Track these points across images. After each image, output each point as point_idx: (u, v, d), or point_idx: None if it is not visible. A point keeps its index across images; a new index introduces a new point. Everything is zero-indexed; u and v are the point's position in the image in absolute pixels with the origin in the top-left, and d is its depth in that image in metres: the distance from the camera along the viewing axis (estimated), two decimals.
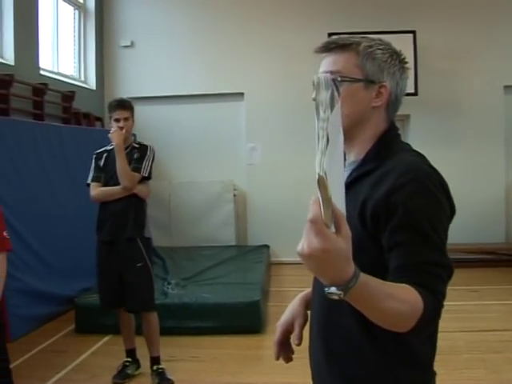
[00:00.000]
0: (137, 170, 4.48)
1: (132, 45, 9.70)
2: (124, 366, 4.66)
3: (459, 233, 8.93)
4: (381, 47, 1.61)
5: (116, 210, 4.44)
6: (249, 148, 9.49)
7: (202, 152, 9.62)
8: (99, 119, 9.15)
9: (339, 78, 1.56)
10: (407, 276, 1.36)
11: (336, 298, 1.21)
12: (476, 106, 9.24)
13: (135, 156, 4.52)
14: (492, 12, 9.19)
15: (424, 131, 9.22)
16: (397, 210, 1.41)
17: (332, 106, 1.24)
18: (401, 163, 1.49)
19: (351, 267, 1.20)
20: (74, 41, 9.12)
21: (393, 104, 1.63)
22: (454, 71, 9.20)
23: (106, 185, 4.50)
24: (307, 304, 1.81)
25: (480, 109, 9.25)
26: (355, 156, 1.63)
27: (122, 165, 4.40)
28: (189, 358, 5.01)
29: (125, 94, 8.62)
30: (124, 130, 4.44)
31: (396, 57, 1.63)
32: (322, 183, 1.14)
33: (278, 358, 1.82)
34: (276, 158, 9.41)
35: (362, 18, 8.96)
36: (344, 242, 1.17)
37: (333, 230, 1.17)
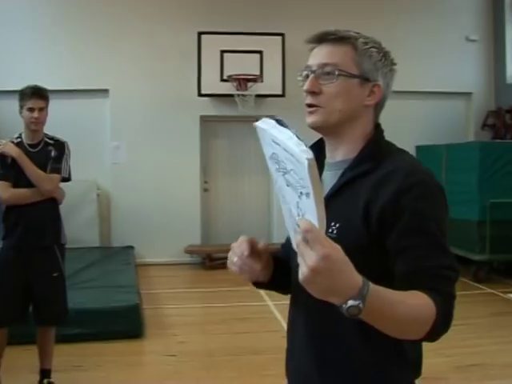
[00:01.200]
0: (56, 170, 4.02)
1: None
2: None
3: None
4: (375, 45, 1.56)
5: (30, 214, 3.95)
6: (113, 147, 9.17)
7: None
8: None
9: (337, 72, 1.51)
10: (418, 281, 1.35)
11: (356, 312, 1.17)
12: None
13: (52, 154, 4.03)
14: (360, 21, 9.48)
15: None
16: (405, 213, 1.40)
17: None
18: (402, 164, 1.47)
19: (357, 273, 1.19)
20: None
21: (381, 105, 1.60)
22: None
23: (16, 185, 3.95)
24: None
25: None
26: (343, 155, 1.57)
27: (33, 171, 3.90)
28: (72, 368, 4.70)
29: None
30: (38, 122, 3.97)
31: (388, 57, 1.59)
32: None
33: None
34: (141, 157, 9.19)
35: (232, 19, 9.01)
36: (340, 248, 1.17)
37: None
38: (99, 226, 9.08)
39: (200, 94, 8.89)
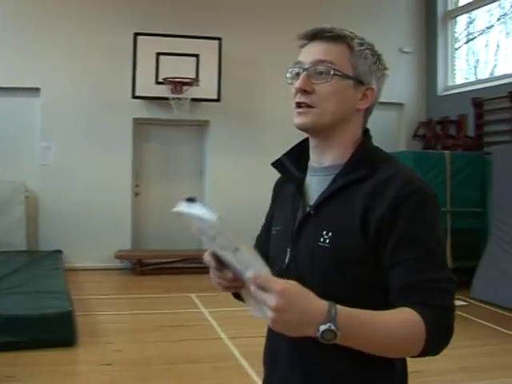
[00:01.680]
0: None
1: None
2: None
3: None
4: (370, 47, 1.50)
5: None
6: (43, 147, 8.87)
7: None
8: None
9: (332, 71, 1.44)
10: (411, 295, 1.32)
11: (331, 336, 1.17)
12: (273, 115, 9.55)
13: None
14: (296, 26, 9.54)
15: (223, 137, 9.39)
16: (402, 222, 1.36)
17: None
18: (398, 172, 1.42)
19: (319, 299, 1.20)
20: None
21: (371, 110, 1.55)
22: (254, 80, 9.46)
23: None
24: None
25: (278, 119, 9.55)
26: (331, 160, 1.51)
27: None
28: (4, 379, 4.49)
29: None
30: None
31: (381, 60, 1.53)
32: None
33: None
34: (71, 158, 8.94)
35: (169, 21, 8.92)
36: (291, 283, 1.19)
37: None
38: (26, 229, 8.73)
39: (134, 96, 8.73)
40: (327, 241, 1.41)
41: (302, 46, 1.55)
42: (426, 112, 10.46)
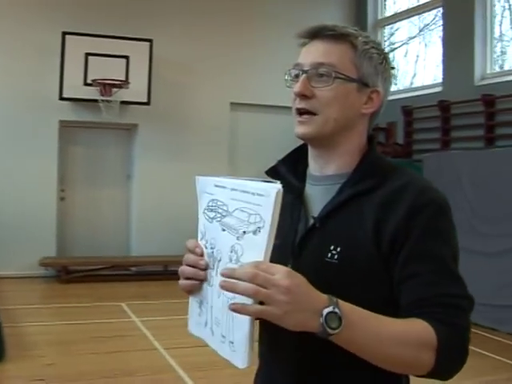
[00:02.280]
0: None
1: None
2: None
3: (184, 244, 9.16)
4: (375, 46, 1.38)
5: None
6: None
7: None
8: None
9: (333, 74, 1.33)
10: (424, 311, 1.23)
11: (336, 322, 1.12)
12: (204, 120, 9.51)
13: None
14: (225, 32, 9.56)
15: (152, 142, 9.23)
16: (416, 232, 1.27)
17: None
18: (411, 181, 1.33)
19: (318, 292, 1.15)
20: None
21: (378, 113, 1.42)
22: (185, 84, 9.34)
23: None
24: None
25: (208, 123, 9.54)
26: (336, 169, 1.40)
27: None
28: None
29: None
30: None
31: (388, 60, 1.41)
32: None
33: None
34: None
35: (99, 21, 8.67)
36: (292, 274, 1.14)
37: None
38: None
39: (61, 98, 8.42)
40: (335, 256, 1.31)
41: (302, 46, 1.42)
42: None
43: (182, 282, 1.31)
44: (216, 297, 1.20)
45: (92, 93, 8.41)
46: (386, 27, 10.39)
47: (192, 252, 1.30)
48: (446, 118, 8.44)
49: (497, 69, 8.23)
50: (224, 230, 1.20)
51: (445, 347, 1.19)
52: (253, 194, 1.14)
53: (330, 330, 1.11)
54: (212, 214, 1.24)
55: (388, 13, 10.38)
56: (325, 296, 1.14)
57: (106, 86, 8.32)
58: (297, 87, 1.36)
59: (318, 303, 1.12)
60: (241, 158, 9.94)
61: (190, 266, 1.30)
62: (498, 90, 7.63)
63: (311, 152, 1.45)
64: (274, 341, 1.42)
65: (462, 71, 8.23)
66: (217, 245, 1.22)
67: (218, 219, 1.22)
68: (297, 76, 1.39)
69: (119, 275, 8.77)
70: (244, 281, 1.09)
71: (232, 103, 9.77)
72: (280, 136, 9.88)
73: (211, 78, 9.48)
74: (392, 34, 10.51)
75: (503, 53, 8.49)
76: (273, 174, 1.49)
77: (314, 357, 1.31)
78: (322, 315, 1.11)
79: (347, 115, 1.36)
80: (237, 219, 1.16)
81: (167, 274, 9.04)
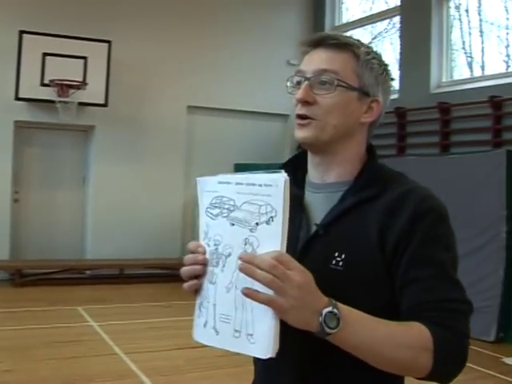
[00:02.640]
0: None
1: None
2: None
3: (141, 248, 9.10)
4: (377, 57, 1.41)
5: None
6: None
7: None
8: None
9: (336, 82, 1.35)
10: (423, 315, 1.25)
11: (334, 322, 1.16)
12: (161, 123, 9.46)
13: None
14: (184, 35, 9.53)
15: (109, 144, 9.13)
16: (417, 239, 1.30)
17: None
18: (413, 189, 1.36)
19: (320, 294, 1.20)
20: None
21: (377, 122, 1.45)
22: (143, 86, 9.29)
23: None
24: None
25: (165, 126, 9.50)
26: (336, 177, 1.42)
27: None
28: None
29: None
30: None
31: (388, 71, 1.44)
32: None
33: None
34: None
35: (57, 21, 8.54)
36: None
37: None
38: None
39: (17, 98, 8.25)
40: (340, 263, 1.33)
41: (305, 54, 1.43)
42: None
43: (185, 284, 1.30)
44: (224, 292, 1.20)
45: (49, 93, 8.27)
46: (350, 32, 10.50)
47: (194, 252, 1.29)
48: (401, 125, 8.60)
49: (455, 77, 8.43)
50: (233, 225, 1.20)
51: (442, 350, 1.21)
52: (260, 185, 1.16)
53: (328, 330, 1.15)
54: (216, 211, 1.25)
55: (346, 20, 10.52)
56: (326, 298, 1.18)
57: (64, 87, 8.21)
58: (299, 94, 1.38)
59: (319, 303, 1.16)
60: (197, 162, 9.92)
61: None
62: (453, 98, 7.81)
63: (311, 159, 1.47)
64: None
65: (418, 79, 8.39)
66: (223, 241, 1.22)
67: (225, 215, 1.23)
68: (299, 83, 1.40)
69: (74, 279, 8.65)
70: (262, 269, 1.11)
71: (189, 106, 9.76)
72: (236, 140, 9.94)
73: (169, 81, 9.44)
74: None
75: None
76: None
77: (316, 357, 1.33)
78: (321, 314, 1.15)
79: (347, 123, 1.38)
80: (247, 212, 1.18)
81: (123, 278, 8.98)
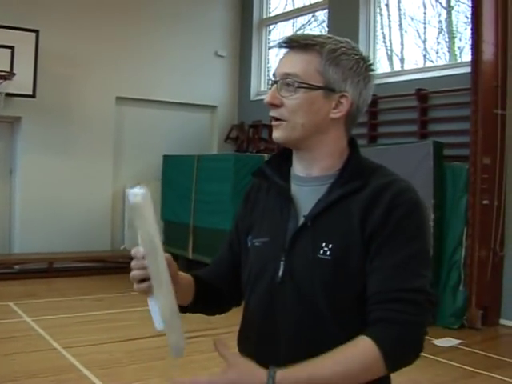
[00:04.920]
0: None
1: None
2: None
3: (68, 241, 8.98)
4: (346, 51, 1.45)
5: None
6: None
7: None
8: None
9: (296, 84, 1.42)
10: (378, 307, 1.34)
11: None
12: (89, 114, 9.33)
13: None
14: (113, 26, 9.42)
15: (36, 136, 8.94)
16: (387, 229, 1.37)
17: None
18: (391, 181, 1.43)
19: (260, 372, 1.23)
20: None
21: (353, 116, 1.49)
22: (71, 77, 9.12)
23: None
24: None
25: (93, 117, 9.37)
26: (320, 171, 1.49)
27: None
28: None
29: None
30: None
31: (363, 63, 1.47)
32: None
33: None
34: None
35: None
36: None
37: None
38: None
39: None
40: (328, 253, 1.39)
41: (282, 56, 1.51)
42: (239, 115, 10.79)
43: (136, 286, 1.36)
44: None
45: None
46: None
47: (135, 257, 1.35)
48: None
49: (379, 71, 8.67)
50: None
51: (391, 354, 1.28)
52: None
53: None
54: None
55: (274, 12, 10.63)
56: (263, 378, 1.22)
57: None
58: (266, 97, 1.47)
59: None
60: (126, 153, 9.88)
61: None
62: (378, 91, 8.05)
63: (295, 154, 1.54)
64: (267, 341, 1.49)
65: None
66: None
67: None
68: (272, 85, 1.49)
69: (2, 274, 8.44)
70: None
71: (118, 97, 9.66)
72: (165, 131, 9.93)
73: (97, 72, 9.33)
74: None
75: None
76: (259, 175, 1.59)
77: (307, 355, 1.34)
78: None
79: (315, 120, 1.44)
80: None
81: (52, 271, 8.83)
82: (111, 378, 4.80)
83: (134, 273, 1.34)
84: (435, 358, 5.38)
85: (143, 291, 1.34)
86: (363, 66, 1.47)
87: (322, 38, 1.45)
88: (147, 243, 1.27)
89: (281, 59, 1.49)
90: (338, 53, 1.43)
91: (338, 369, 1.25)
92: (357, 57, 1.46)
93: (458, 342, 5.98)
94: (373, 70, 1.50)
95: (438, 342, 5.85)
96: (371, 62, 1.50)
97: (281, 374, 1.22)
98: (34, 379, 4.69)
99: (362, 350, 1.28)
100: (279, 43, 1.48)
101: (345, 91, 1.44)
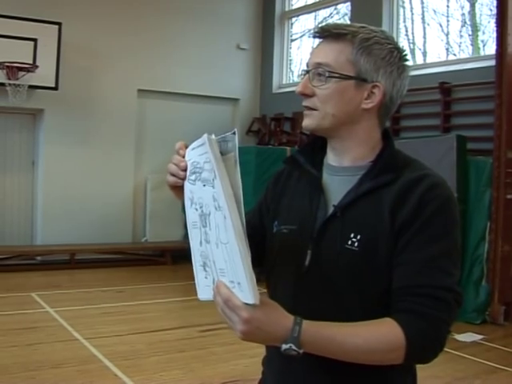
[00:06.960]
0: None
1: None
2: None
3: (90, 233, 9.03)
4: (379, 41, 1.42)
5: None
6: None
7: None
8: None
9: (327, 74, 1.41)
10: (404, 300, 1.32)
11: (293, 353, 1.22)
12: (112, 106, 9.37)
13: None
14: (135, 19, 9.44)
15: (59, 128, 8.99)
16: (417, 224, 1.35)
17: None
18: (423, 176, 1.40)
19: (287, 318, 1.23)
20: None
21: (386, 107, 1.46)
22: (94, 70, 9.16)
23: None
24: None
25: (115, 110, 9.40)
26: (352, 161, 1.47)
27: None
28: None
29: None
30: None
31: (397, 53, 1.43)
32: None
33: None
34: None
35: (6, 1, 8.24)
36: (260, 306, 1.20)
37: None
38: None
39: None
40: (356, 244, 1.38)
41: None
42: (261, 108, 10.77)
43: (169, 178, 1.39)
44: (215, 248, 1.25)
45: None
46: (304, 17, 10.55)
47: (177, 165, 1.36)
48: None
49: None
50: (205, 185, 1.26)
51: (415, 345, 1.27)
52: (200, 145, 1.26)
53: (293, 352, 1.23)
54: (194, 176, 1.31)
55: (297, 4, 10.59)
56: (289, 325, 1.23)
57: (13, 69, 8.01)
58: (297, 87, 1.46)
59: (277, 338, 1.23)
60: (148, 145, 9.90)
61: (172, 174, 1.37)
62: None
63: (328, 143, 1.53)
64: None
65: None
66: (204, 202, 1.28)
67: (199, 178, 1.29)
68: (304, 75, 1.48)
69: (24, 265, 8.52)
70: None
71: (140, 90, 9.68)
72: (187, 123, 9.93)
73: (120, 65, 9.36)
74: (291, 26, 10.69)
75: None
76: (292, 162, 1.58)
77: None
78: (281, 347, 1.23)
79: (346, 110, 1.43)
80: (207, 171, 1.24)
81: (74, 263, 8.89)
82: (133, 369, 4.82)
83: (172, 169, 1.36)
84: (457, 352, 5.36)
85: (169, 184, 1.38)
86: (397, 55, 1.44)
87: (355, 27, 1.43)
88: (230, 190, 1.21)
89: (313, 49, 1.48)
90: (371, 42, 1.41)
91: (358, 341, 1.26)
92: (390, 46, 1.43)
93: (480, 337, 5.93)
94: (407, 60, 1.47)
95: (460, 337, 5.81)
96: (406, 52, 1.47)
97: (306, 324, 1.23)
98: (57, 369, 4.72)
99: (389, 329, 1.27)
100: (312, 33, 1.47)
101: (377, 81, 1.42)
